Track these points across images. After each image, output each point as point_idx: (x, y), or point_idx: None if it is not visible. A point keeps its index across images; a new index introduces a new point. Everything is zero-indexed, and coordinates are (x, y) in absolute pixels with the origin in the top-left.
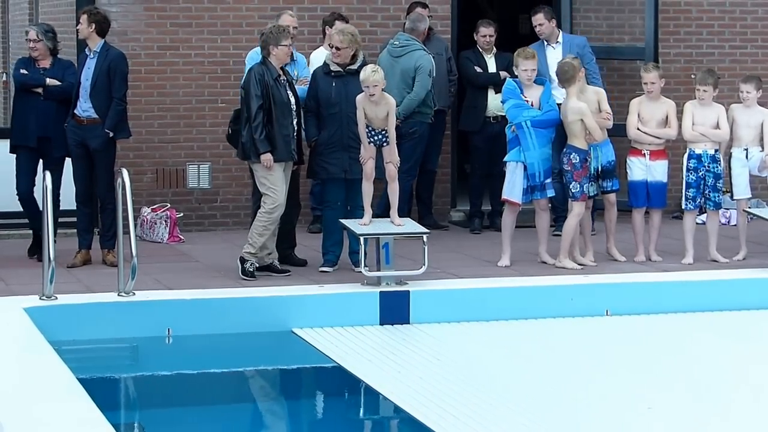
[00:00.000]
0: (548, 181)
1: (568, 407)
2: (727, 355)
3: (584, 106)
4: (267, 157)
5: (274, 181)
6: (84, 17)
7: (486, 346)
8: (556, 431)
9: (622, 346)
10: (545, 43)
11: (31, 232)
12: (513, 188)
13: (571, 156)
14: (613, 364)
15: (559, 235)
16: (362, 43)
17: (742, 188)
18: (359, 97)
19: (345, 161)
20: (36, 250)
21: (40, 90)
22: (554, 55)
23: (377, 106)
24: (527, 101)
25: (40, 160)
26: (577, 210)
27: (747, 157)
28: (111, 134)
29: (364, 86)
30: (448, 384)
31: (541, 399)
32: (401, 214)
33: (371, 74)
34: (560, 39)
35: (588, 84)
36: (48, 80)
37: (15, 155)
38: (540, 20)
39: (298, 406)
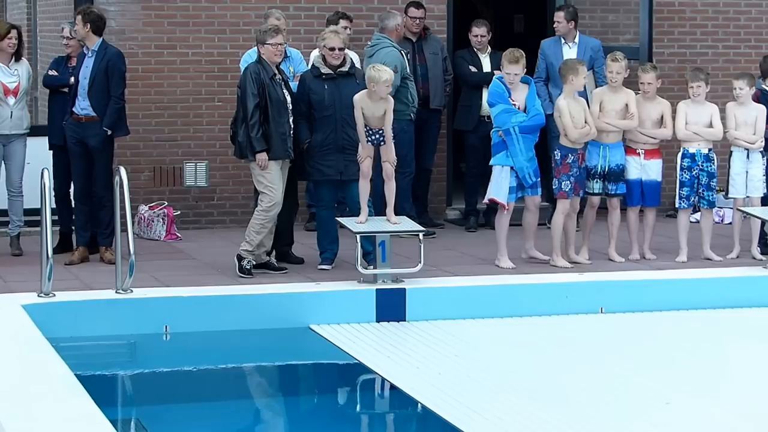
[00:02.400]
0: (538, 179)
1: (585, 402)
2: (726, 351)
3: (563, 105)
4: (262, 157)
5: (271, 180)
6: (79, 18)
7: (499, 344)
8: (580, 425)
9: (622, 343)
10: (562, 40)
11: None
12: (499, 189)
13: (555, 152)
14: (618, 361)
15: (546, 227)
16: (359, 42)
17: (739, 187)
18: (357, 97)
19: (340, 163)
20: (61, 248)
21: (67, 89)
22: (570, 54)
23: (376, 105)
24: (515, 104)
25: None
26: (560, 207)
27: (748, 156)
28: (109, 132)
29: (373, 84)
30: (468, 380)
31: (558, 394)
32: (402, 213)
33: (392, 74)
34: (577, 39)
35: (597, 86)
36: (72, 79)
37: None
38: (559, 18)
39: (312, 402)
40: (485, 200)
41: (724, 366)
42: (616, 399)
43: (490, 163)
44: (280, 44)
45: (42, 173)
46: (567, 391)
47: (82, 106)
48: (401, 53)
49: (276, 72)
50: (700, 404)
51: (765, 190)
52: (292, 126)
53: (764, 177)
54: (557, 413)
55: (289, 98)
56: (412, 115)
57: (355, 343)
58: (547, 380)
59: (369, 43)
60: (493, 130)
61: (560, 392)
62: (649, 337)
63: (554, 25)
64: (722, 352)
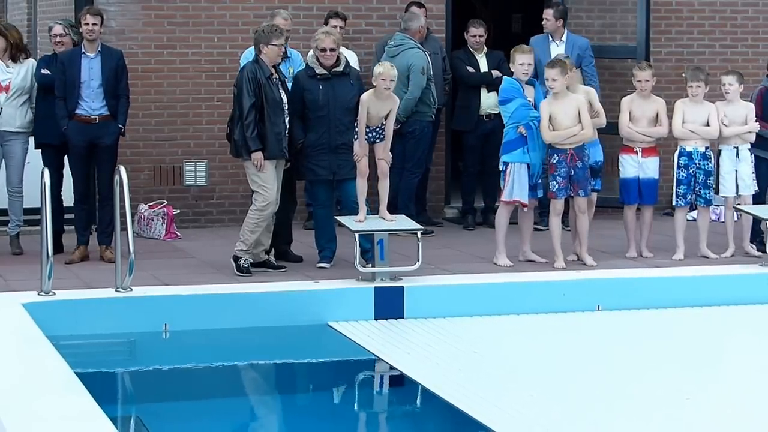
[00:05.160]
0: (540, 181)
1: (604, 397)
2: (728, 348)
3: (542, 105)
4: (258, 156)
5: (265, 179)
6: (99, 18)
7: (512, 340)
8: (602, 420)
9: (623, 341)
10: (550, 37)
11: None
12: (521, 189)
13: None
14: (625, 358)
15: (541, 230)
16: (357, 42)
17: (729, 186)
18: (365, 96)
19: (333, 163)
20: (55, 248)
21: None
22: (557, 51)
23: (383, 104)
24: (529, 101)
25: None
26: (551, 208)
27: (737, 155)
28: (123, 129)
29: (380, 79)
30: (489, 376)
31: (576, 390)
32: (406, 212)
33: (390, 69)
34: (564, 38)
35: (585, 85)
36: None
37: (41, 153)
38: (548, 15)
39: (320, 399)
40: (504, 200)
41: (729, 362)
42: (633, 395)
43: (504, 160)
44: (282, 45)
45: (42, 173)
46: (583, 387)
47: (94, 107)
48: (426, 54)
49: (273, 72)
50: (717, 399)
51: (755, 188)
52: (287, 126)
53: (753, 174)
54: (578, 408)
55: (285, 98)
56: (433, 116)
57: (373, 340)
58: (562, 376)
59: (391, 42)
60: (508, 126)
61: (577, 388)
62: (649, 334)
63: (543, 23)
64: (725, 349)
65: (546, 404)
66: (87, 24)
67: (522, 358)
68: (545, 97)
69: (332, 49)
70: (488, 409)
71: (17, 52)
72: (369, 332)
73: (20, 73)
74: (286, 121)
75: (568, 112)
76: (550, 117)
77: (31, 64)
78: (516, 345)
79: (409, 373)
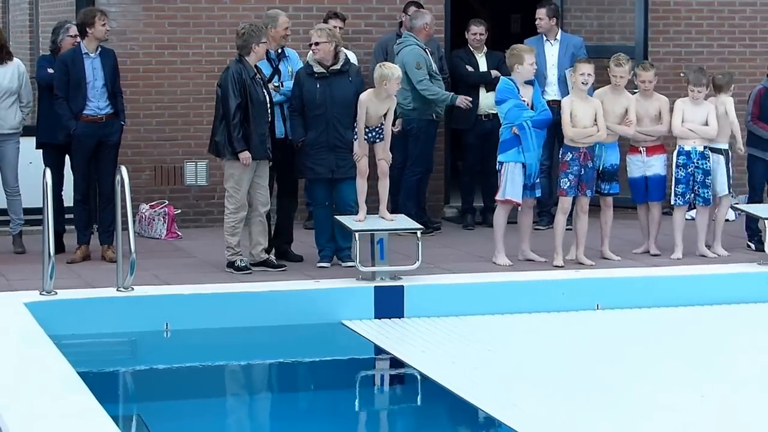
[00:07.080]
0: (538, 180)
1: (617, 395)
2: (730, 345)
3: (564, 103)
4: (245, 156)
5: (238, 181)
6: (105, 18)
7: (523, 339)
8: (617, 419)
9: (626, 339)
10: (544, 37)
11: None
12: (514, 188)
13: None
14: (630, 357)
15: (540, 230)
16: (357, 42)
17: (723, 185)
18: (364, 96)
19: (332, 161)
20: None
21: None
22: (551, 51)
23: (381, 103)
24: (524, 101)
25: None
26: (559, 205)
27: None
28: (124, 125)
29: (383, 81)
30: (505, 374)
31: (590, 388)
32: (405, 211)
33: (387, 69)
34: (558, 37)
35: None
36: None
37: (42, 153)
38: (541, 15)
39: (324, 398)
40: (498, 199)
41: (733, 361)
42: (645, 393)
43: (500, 159)
44: (267, 43)
45: (44, 173)
46: (596, 385)
47: (101, 106)
48: (425, 51)
49: (256, 72)
50: (728, 398)
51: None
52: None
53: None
54: (591, 406)
55: (268, 98)
56: (434, 115)
57: (388, 338)
58: (575, 375)
59: (398, 40)
60: (503, 126)
61: (593, 386)
62: (652, 333)
63: (536, 22)
64: (727, 347)
65: (564, 402)
66: (104, 25)
67: (535, 357)
68: (543, 97)
69: (316, 43)
70: (507, 408)
71: (2, 53)
72: (382, 330)
73: (6, 74)
74: (269, 121)
75: (587, 113)
76: (570, 115)
77: (17, 64)
78: (526, 343)
79: (427, 372)
